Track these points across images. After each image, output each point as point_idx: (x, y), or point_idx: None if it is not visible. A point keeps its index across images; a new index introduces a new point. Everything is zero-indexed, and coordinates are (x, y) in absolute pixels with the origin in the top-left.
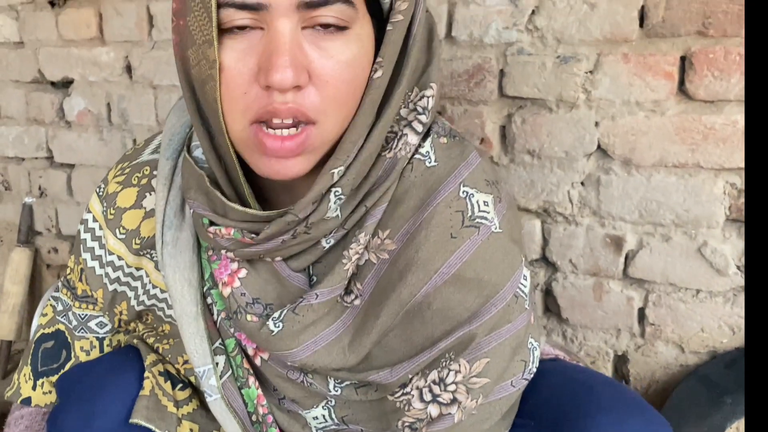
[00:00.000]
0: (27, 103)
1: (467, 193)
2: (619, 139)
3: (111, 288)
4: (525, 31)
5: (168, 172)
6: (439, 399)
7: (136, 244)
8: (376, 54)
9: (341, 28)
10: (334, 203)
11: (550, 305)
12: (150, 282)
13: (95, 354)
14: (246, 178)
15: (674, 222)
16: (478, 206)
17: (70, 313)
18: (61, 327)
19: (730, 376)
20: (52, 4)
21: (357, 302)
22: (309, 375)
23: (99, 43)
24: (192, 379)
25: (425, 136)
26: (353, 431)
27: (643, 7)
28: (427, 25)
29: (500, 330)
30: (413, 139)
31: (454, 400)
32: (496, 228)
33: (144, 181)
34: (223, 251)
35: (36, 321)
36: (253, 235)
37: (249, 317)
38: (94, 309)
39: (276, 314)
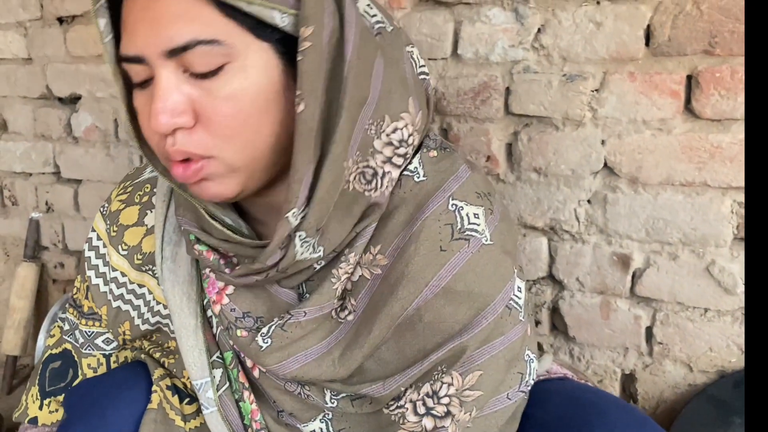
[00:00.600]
0: (35, 119)
1: (456, 206)
2: (626, 157)
3: (114, 305)
4: (531, 50)
5: (167, 188)
6: (433, 412)
7: (137, 259)
8: None
9: (219, 67)
10: (301, 246)
11: (557, 323)
12: (154, 299)
13: (102, 371)
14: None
15: (681, 240)
16: (468, 219)
17: (76, 332)
18: (68, 346)
19: (739, 395)
20: (61, 21)
21: (350, 318)
22: (306, 387)
23: None
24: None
25: (415, 151)
26: None
27: (649, 26)
28: (391, 52)
29: (493, 342)
30: (396, 173)
31: (447, 413)
32: (486, 240)
33: (145, 198)
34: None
35: (42, 340)
36: (227, 270)
37: (239, 332)
38: (100, 326)
39: (265, 329)
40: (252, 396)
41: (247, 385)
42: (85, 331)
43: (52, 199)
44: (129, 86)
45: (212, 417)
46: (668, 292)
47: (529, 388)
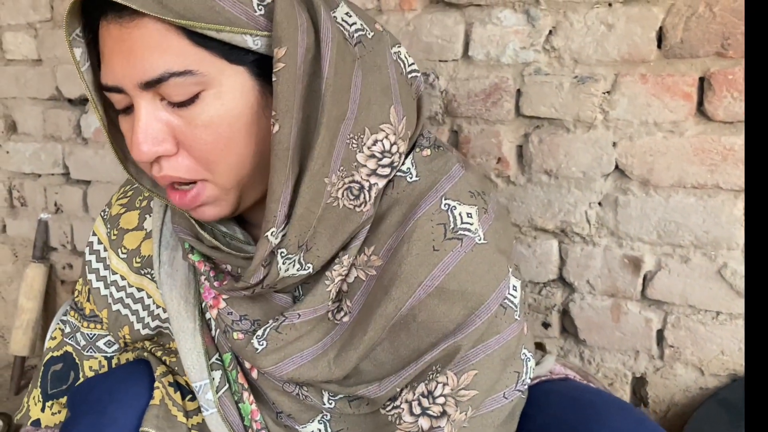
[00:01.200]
0: (44, 120)
1: (449, 205)
2: (637, 159)
3: (114, 308)
4: (542, 52)
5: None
6: (429, 412)
7: (136, 263)
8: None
9: (194, 95)
10: (284, 263)
11: (568, 326)
12: (153, 302)
13: None
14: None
15: (693, 243)
16: (461, 218)
17: (78, 335)
18: (69, 349)
19: None
20: None
21: (346, 319)
22: (303, 388)
23: None
24: None
25: (408, 152)
26: None
27: (661, 28)
28: (372, 60)
29: (488, 342)
30: (383, 182)
31: (443, 413)
32: (480, 239)
33: (145, 203)
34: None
35: (46, 344)
36: (216, 283)
37: (236, 335)
38: (102, 328)
39: (260, 332)
40: (251, 397)
41: (246, 386)
42: (87, 334)
43: (61, 200)
44: (108, 110)
45: (212, 418)
46: (680, 295)
47: (527, 387)
